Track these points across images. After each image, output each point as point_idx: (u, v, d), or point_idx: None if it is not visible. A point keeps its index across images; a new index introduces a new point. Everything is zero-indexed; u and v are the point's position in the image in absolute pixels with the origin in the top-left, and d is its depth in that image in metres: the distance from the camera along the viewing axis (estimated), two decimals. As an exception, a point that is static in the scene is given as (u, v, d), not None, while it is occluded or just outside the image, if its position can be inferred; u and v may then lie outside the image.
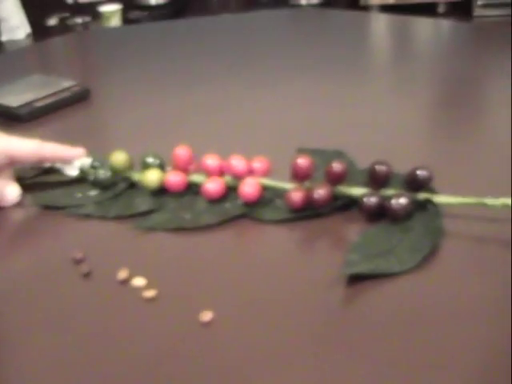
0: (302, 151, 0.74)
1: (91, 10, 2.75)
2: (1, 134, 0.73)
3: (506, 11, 2.39)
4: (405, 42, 1.41)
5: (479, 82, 1.05)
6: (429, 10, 2.41)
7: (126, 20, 2.51)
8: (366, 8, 2.42)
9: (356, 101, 0.97)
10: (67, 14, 3.12)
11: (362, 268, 0.54)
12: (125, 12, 2.52)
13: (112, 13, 2.47)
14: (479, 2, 2.38)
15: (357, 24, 1.54)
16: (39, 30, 3.13)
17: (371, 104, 0.95)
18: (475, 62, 1.14)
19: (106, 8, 2.50)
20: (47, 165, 0.75)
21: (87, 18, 2.69)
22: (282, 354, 0.47)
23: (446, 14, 2.43)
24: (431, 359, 0.45)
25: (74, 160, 0.74)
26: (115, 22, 2.47)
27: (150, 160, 0.70)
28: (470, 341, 0.47)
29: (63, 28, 3.07)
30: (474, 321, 0.49)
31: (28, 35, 3.14)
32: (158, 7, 2.54)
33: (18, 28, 3.08)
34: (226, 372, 0.46)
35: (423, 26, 1.51)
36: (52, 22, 3.19)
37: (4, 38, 3.10)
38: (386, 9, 2.36)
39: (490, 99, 0.99)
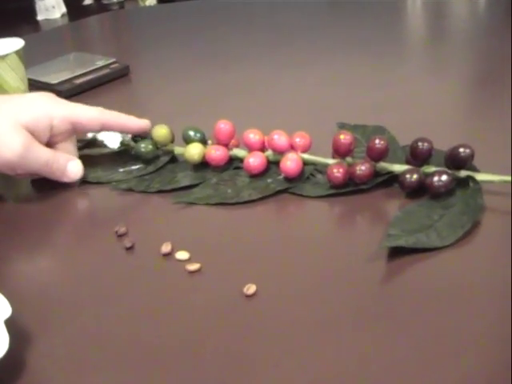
0: (342, 127, 0.74)
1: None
2: (62, 100, 0.71)
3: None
4: (440, 21, 1.40)
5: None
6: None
7: (162, -1, 2.52)
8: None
9: (393, 79, 0.96)
10: (103, -6, 3.14)
11: (403, 241, 0.54)
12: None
13: (147, -9, 2.49)
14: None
15: (392, 3, 1.53)
16: (74, 10, 3.14)
17: (408, 82, 0.95)
18: (510, 40, 1.13)
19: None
20: (90, 135, 0.75)
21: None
22: (324, 326, 0.47)
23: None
24: (470, 334, 0.46)
25: (138, 131, 0.73)
26: (150, 1, 2.47)
27: (192, 134, 0.71)
28: (509, 316, 0.47)
29: (98, 7, 3.08)
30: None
31: (63, 15, 3.15)
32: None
33: (54, 8, 3.10)
34: (269, 344, 0.46)
35: (458, 5, 1.50)
36: (87, 1, 3.21)
37: (40, 18, 3.12)
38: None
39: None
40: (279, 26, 1.32)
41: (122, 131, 0.73)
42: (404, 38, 1.23)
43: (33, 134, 0.66)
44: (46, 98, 0.70)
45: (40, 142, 0.67)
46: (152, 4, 2.50)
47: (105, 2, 3.04)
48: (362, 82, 0.95)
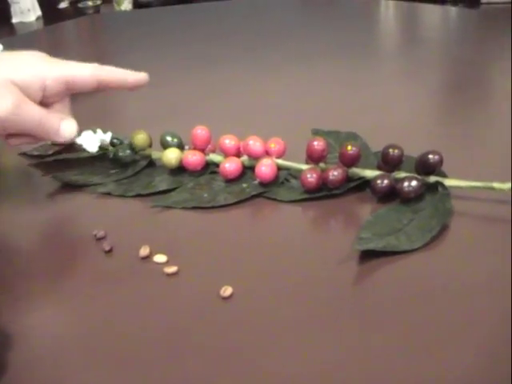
0: (316, 133, 0.76)
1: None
2: (56, 60, 0.69)
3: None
4: (414, 27, 1.43)
5: (487, 67, 1.07)
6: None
7: (137, 4, 2.52)
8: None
9: (367, 84, 0.99)
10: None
11: (373, 245, 0.56)
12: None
13: (123, -4, 2.49)
14: (487, -11, 2.39)
15: (367, 10, 1.55)
16: (50, 13, 3.14)
17: (382, 88, 0.97)
18: (483, 47, 1.16)
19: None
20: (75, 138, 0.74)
21: (98, 1, 2.70)
22: (298, 327, 0.49)
23: (453, 0, 2.43)
24: (440, 334, 0.47)
25: (136, 85, 0.71)
26: (126, 5, 2.48)
27: (169, 139, 0.72)
28: (476, 317, 0.49)
29: (74, 11, 3.07)
30: (481, 297, 0.51)
31: (38, 18, 3.14)
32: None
33: (29, 11, 3.09)
34: (245, 345, 0.48)
35: (432, 13, 1.53)
36: (63, 4, 3.20)
37: (15, 21, 3.11)
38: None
39: (498, 83, 1.00)
40: (256, 31, 1.34)
41: (120, 87, 0.71)
42: (377, 45, 1.25)
43: (25, 93, 0.64)
44: (39, 57, 0.68)
45: (33, 101, 0.65)
46: (127, 9, 2.50)
47: (80, 5, 3.04)
48: (337, 88, 0.97)
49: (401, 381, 0.44)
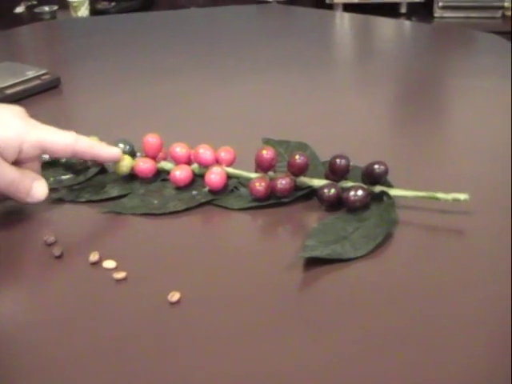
0: (267, 142, 0.77)
1: (59, -1, 2.75)
2: (35, 123, 0.67)
3: (464, 13, 2.45)
4: (368, 40, 1.45)
5: (437, 81, 1.10)
6: (392, 9, 2.46)
7: (94, 11, 2.52)
8: (331, 6, 2.46)
9: (320, 95, 1.00)
10: (35, 2, 3.11)
11: (318, 252, 0.57)
12: (92, 2, 2.52)
13: (80, 2, 2.48)
14: (440, 4, 2.43)
15: (322, 22, 1.57)
16: (5, 18, 3.11)
17: (334, 99, 0.99)
18: (434, 61, 1.18)
19: (74, -3, 2.51)
20: None
21: (55, 7, 2.68)
22: (245, 331, 0.50)
23: (408, 14, 2.47)
24: (382, 339, 0.49)
25: (109, 161, 0.71)
26: (83, 12, 2.47)
27: (121, 146, 0.73)
28: (418, 322, 0.51)
29: (30, 16, 3.05)
30: (423, 303, 0.53)
31: (-6, 22, 3.12)
32: (126, -1, 2.57)
33: (-16, 15, 3.06)
34: (192, 348, 0.49)
35: (386, 26, 1.55)
36: (19, 9, 3.18)
37: (-31, 25, 3.08)
38: (350, 7, 2.40)
39: (448, 97, 1.03)
40: (212, 41, 1.35)
41: (93, 160, 0.71)
42: (331, 56, 1.27)
43: (0, 152, 0.63)
44: (18, 119, 0.66)
45: (7, 161, 0.64)
46: (84, 15, 2.50)
47: (37, 10, 3.02)
48: (289, 99, 0.99)
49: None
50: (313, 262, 0.57)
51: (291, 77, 1.10)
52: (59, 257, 0.60)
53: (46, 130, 0.67)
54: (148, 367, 0.47)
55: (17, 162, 0.66)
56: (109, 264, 0.58)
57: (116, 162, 0.71)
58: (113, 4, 2.53)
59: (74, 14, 2.51)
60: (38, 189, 0.66)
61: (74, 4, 2.49)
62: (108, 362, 0.48)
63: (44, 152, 0.67)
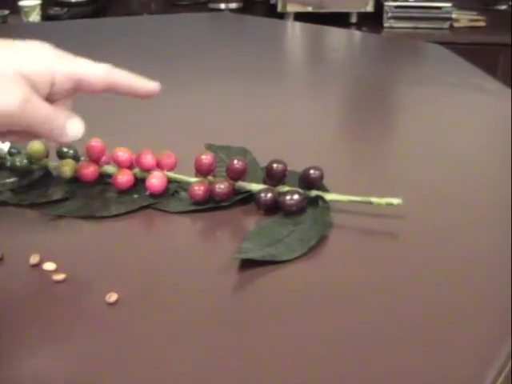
0: (209, 147, 0.79)
1: (10, 3, 2.72)
2: (67, 55, 0.63)
3: (413, 24, 2.50)
4: (317, 49, 1.47)
5: (383, 89, 1.12)
6: (343, 19, 2.49)
7: (46, 16, 2.51)
8: (282, 15, 2.48)
9: (267, 103, 1.02)
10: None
11: (253, 254, 0.59)
12: (44, 7, 2.51)
13: (32, 7, 2.46)
14: (389, 14, 2.47)
15: (273, 31, 1.59)
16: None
17: (281, 106, 1.01)
18: (381, 70, 1.21)
19: (25, 2, 2.49)
20: None
21: (6, 11, 2.67)
22: (181, 332, 0.52)
23: (358, 24, 2.51)
24: (315, 338, 0.51)
25: (147, 95, 0.66)
26: (34, 17, 2.46)
27: (65, 150, 0.74)
28: (350, 323, 0.53)
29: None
30: (355, 304, 0.55)
31: None
32: (78, 4, 2.55)
33: None
34: (127, 349, 0.50)
35: (336, 36, 1.58)
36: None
37: None
38: (301, 16, 2.43)
39: (392, 105, 1.06)
40: (162, 48, 1.36)
41: (130, 95, 0.66)
42: (281, 64, 1.29)
43: (33, 87, 0.58)
44: (49, 51, 0.62)
45: (40, 96, 0.59)
46: (36, 20, 2.48)
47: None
48: (236, 106, 1.01)
49: (280, 382, 0.47)
50: (248, 264, 0.59)
51: (240, 84, 1.11)
52: (0, 259, 0.60)
53: (78, 61, 0.62)
54: (85, 366, 0.48)
55: (49, 100, 0.61)
56: (49, 266, 0.59)
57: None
58: (65, 10, 2.52)
59: (25, 19, 2.49)
60: (72, 127, 0.61)
61: (26, 9, 2.48)
62: (45, 361, 0.49)
63: (77, 84, 0.62)
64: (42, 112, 0.59)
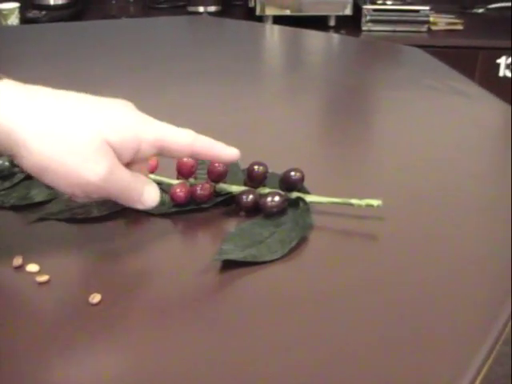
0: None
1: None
2: (151, 119, 0.61)
3: (391, 27, 2.52)
4: (296, 52, 1.48)
5: (362, 92, 1.13)
6: (321, 23, 2.50)
7: (24, 19, 2.50)
8: (261, 18, 2.49)
9: (246, 106, 1.03)
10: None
11: (234, 256, 0.60)
12: (22, 11, 2.51)
13: (10, 10, 2.46)
14: (367, 18, 2.49)
15: (251, 34, 1.60)
16: None
17: (260, 109, 1.02)
18: (360, 73, 1.22)
19: (3, 5, 2.48)
20: None
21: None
22: (163, 333, 0.52)
23: (336, 27, 2.52)
24: (295, 337, 0.52)
25: (228, 162, 0.65)
26: (13, 20, 2.45)
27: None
28: (329, 324, 0.53)
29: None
30: (334, 303, 0.56)
31: None
32: (56, 8, 2.54)
33: None
34: (110, 349, 0.51)
35: (315, 39, 1.58)
36: None
37: None
38: (280, 19, 2.44)
39: (371, 108, 1.07)
40: (140, 52, 1.36)
41: (212, 160, 0.66)
42: (259, 67, 1.29)
43: (118, 155, 0.57)
44: (135, 115, 0.60)
45: (121, 162, 0.58)
46: (14, 23, 2.48)
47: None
48: (215, 108, 1.01)
49: (256, 381, 0.48)
50: (229, 265, 0.59)
51: (219, 87, 1.12)
52: (-17, 262, 0.61)
53: (164, 128, 0.61)
54: (68, 366, 0.49)
55: (129, 163, 0.59)
56: (32, 268, 0.59)
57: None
58: (43, 13, 2.52)
59: (3, 22, 2.48)
60: (150, 194, 0.60)
61: (4, 12, 2.47)
62: (28, 361, 0.49)
63: (161, 151, 0.60)
64: (124, 181, 0.58)
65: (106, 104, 0.60)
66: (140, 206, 0.60)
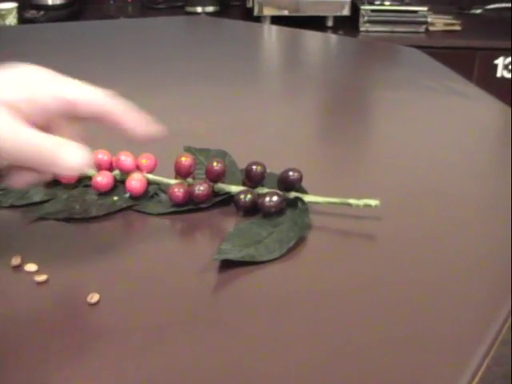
0: (188, 150, 0.79)
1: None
2: (61, 76, 0.58)
3: (389, 28, 2.52)
4: (294, 53, 1.48)
5: (360, 93, 1.13)
6: (319, 23, 2.50)
7: (22, 19, 2.50)
8: (259, 18, 2.49)
9: (244, 105, 1.03)
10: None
11: (232, 255, 0.60)
12: (20, 11, 2.51)
13: (8, 10, 2.46)
14: (365, 18, 2.49)
15: (249, 34, 1.60)
16: None
17: (258, 109, 1.02)
18: (357, 74, 1.22)
19: (1, 5, 2.48)
20: None
21: (-18, 15, 2.66)
22: (161, 333, 0.52)
23: (334, 28, 2.52)
24: (294, 336, 0.52)
25: (145, 139, 0.60)
26: (11, 20, 2.45)
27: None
28: (328, 323, 0.53)
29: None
30: (332, 303, 0.56)
31: None
32: (54, 8, 2.54)
33: None
34: (109, 346, 0.51)
35: (313, 39, 1.58)
36: None
37: None
38: (278, 19, 2.44)
39: (369, 108, 1.07)
40: (139, 52, 1.36)
41: (121, 130, 0.61)
42: (257, 68, 1.29)
43: (25, 114, 0.53)
44: (43, 73, 0.58)
45: (34, 124, 0.53)
46: (12, 23, 2.48)
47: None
48: (213, 108, 1.01)
49: (255, 381, 0.48)
50: (228, 265, 0.59)
51: (218, 87, 1.12)
52: (-19, 261, 0.61)
53: (67, 82, 0.58)
54: (68, 365, 0.49)
55: (47, 128, 0.55)
56: (30, 267, 0.59)
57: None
58: (41, 13, 2.52)
59: (1, 22, 2.48)
60: (68, 155, 0.53)
61: (2, 12, 2.47)
62: (28, 361, 0.49)
63: (66, 107, 0.55)
64: (33, 141, 0.52)
65: (14, 67, 0.58)
66: (59, 170, 0.53)
